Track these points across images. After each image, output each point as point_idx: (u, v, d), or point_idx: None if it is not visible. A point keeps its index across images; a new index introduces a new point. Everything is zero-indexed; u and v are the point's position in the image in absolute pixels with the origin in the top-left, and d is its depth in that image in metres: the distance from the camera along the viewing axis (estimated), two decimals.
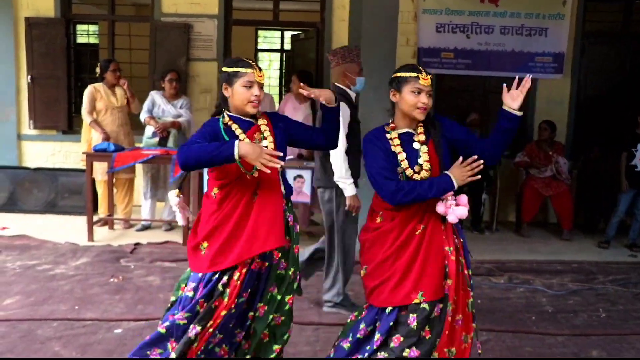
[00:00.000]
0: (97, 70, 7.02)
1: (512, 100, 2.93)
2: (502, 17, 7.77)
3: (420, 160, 2.96)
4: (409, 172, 2.93)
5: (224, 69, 3.04)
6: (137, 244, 6.33)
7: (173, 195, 3.39)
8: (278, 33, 13.58)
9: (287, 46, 12.44)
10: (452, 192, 2.91)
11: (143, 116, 6.77)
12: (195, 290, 3.02)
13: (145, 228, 7.05)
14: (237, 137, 2.99)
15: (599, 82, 8.21)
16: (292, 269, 3.17)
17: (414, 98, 2.93)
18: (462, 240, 3.07)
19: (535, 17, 7.75)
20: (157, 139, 6.66)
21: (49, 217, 7.47)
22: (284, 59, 13.20)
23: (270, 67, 14.83)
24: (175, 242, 6.45)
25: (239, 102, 2.99)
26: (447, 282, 2.93)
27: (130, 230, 7.01)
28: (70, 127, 8.16)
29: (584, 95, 8.22)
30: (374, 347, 2.93)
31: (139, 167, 7.06)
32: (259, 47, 13.70)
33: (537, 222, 7.69)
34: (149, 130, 6.70)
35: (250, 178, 2.99)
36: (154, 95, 6.86)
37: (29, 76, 7.91)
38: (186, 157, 2.82)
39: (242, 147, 2.75)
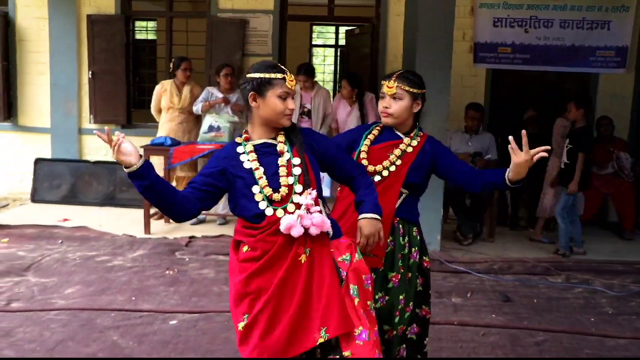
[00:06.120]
0: (170, 65, 7.16)
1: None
2: (563, 10, 7.56)
3: (282, 174, 2.50)
4: (268, 190, 2.46)
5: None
6: (191, 237, 6.42)
7: None
8: (333, 28, 13.61)
9: (342, 41, 12.43)
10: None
11: (196, 107, 6.86)
12: None
13: (200, 222, 7.15)
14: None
15: None
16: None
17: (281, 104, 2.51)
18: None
19: (598, 9, 7.51)
20: (213, 134, 6.69)
21: (107, 210, 7.65)
22: (339, 54, 13.20)
23: (325, 62, 14.85)
24: (229, 236, 6.50)
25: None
26: None
27: (185, 223, 7.11)
28: (129, 121, 8.32)
29: None
30: None
31: (198, 165, 7.12)
32: (313, 42, 13.74)
33: (597, 221, 7.45)
34: (205, 125, 6.77)
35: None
36: (210, 90, 6.96)
37: (90, 71, 8.10)
38: None
39: None
